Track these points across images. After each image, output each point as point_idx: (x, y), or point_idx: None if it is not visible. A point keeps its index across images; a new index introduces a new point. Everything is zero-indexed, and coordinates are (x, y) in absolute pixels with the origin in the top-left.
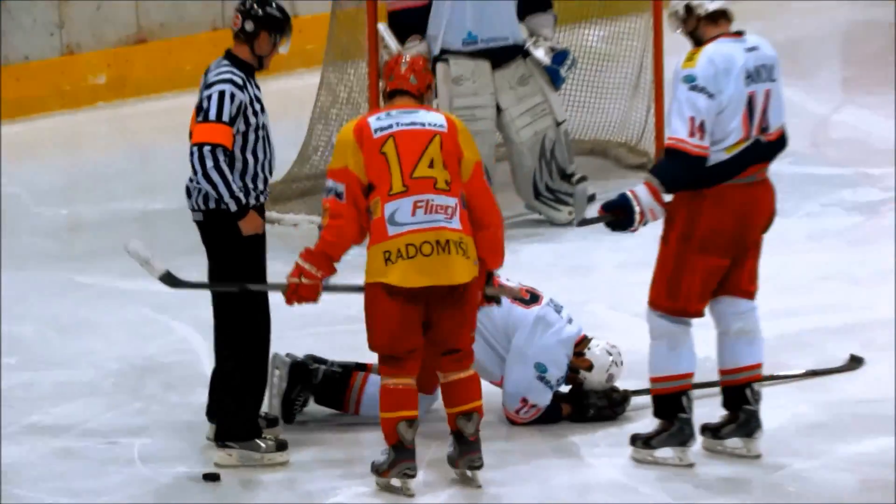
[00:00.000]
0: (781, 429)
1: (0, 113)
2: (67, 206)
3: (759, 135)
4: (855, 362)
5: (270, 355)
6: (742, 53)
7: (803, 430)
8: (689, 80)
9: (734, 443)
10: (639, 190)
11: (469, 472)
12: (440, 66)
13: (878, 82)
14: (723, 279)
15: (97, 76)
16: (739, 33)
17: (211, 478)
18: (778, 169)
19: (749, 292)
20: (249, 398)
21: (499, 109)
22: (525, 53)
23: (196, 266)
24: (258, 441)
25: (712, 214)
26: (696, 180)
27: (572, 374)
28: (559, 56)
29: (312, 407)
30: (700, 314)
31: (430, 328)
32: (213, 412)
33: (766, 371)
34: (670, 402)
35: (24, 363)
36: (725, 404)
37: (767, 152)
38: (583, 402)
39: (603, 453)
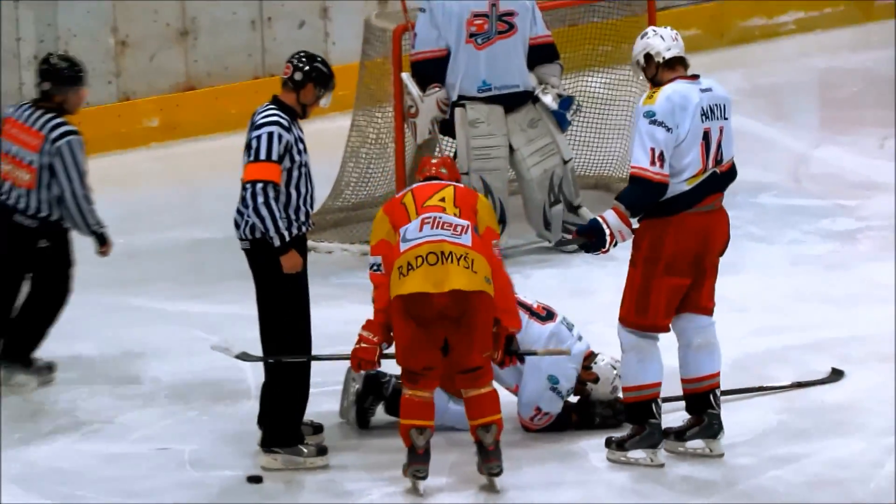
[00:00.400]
0: (767, 434)
1: None
2: (123, 235)
3: (715, 167)
4: (836, 374)
5: (345, 368)
6: (697, 93)
7: (789, 435)
8: (649, 115)
9: (695, 444)
10: (607, 215)
11: (488, 478)
12: (458, 111)
13: (852, 123)
14: (683, 297)
15: (150, 120)
16: (695, 76)
17: (254, 480)
18: (763, 201)
19: (708, 309)
20: (293, 408)
21: (511, 149)
22: (535, 99)
23: (239, 289)
24: (301, 447)
25: (676, 239)
26: (657, 204)
27: (580, 386)
28: (565, 102)
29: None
30: (666, 329)
31: (449, 350)
32: (262, 420)
33: (754, 382)
34: (641, 408)
35: (83, 378)
36: (689, 409)
37: (722, 182)
38: (589, 411)
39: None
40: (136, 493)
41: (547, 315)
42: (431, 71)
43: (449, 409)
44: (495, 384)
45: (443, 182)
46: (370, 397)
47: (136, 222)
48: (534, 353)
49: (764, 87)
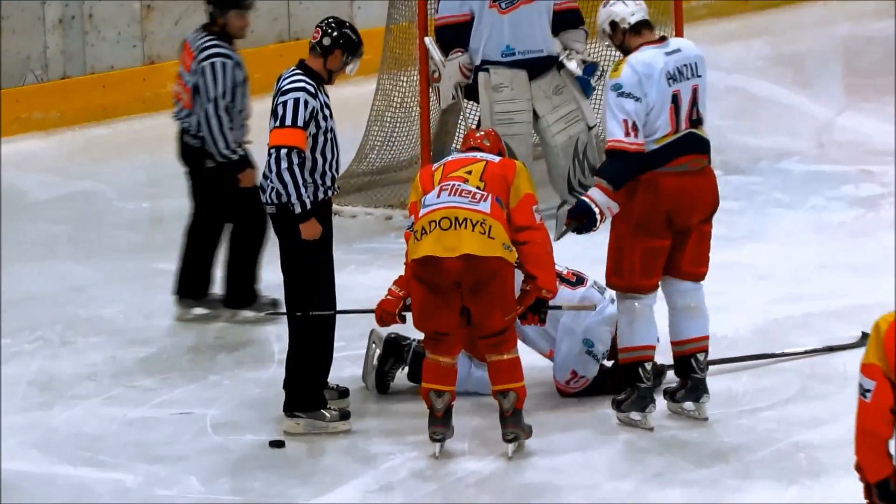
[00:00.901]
0: (790, 399)
1: (86, 117)
2: (148, 200)
3: (692, 128)
4: (866, 338)
5: (368, 332)
6: (662, 58)
7: (811, 400)
8: (617, 87)
9: (688, 406)
10: (593, 193)
11: (506, 443)
12: (481, 75)
13: (876, 90)
14: (667, 261)
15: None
16: (663, 38)
17: (276, 444)
18: (787, 167)
19: (691, 274)
20: (317, 372)
21: (536, 116)
22: (559, 65)
23: (267, 252)
24: (323, 411)
25: (646, 199)
26: (639, 173)
27: (615, 350)
28: (589, 68)
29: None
30: (647, 289)
31: (470, 316)
32: (286, 384)
33: (777, 349)
34: (630, 371)
35: (108, 342)
36: (676, 372)
37: (700, 144)
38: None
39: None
40: (158, 457)
41: (577, 280)
42: (454, 36)
43: (472, 375)
44: (529, 349)
45: (477, 156)
46: (391, 360)
47: (162, 187)
48: (559, 308)
49: (788, 55)
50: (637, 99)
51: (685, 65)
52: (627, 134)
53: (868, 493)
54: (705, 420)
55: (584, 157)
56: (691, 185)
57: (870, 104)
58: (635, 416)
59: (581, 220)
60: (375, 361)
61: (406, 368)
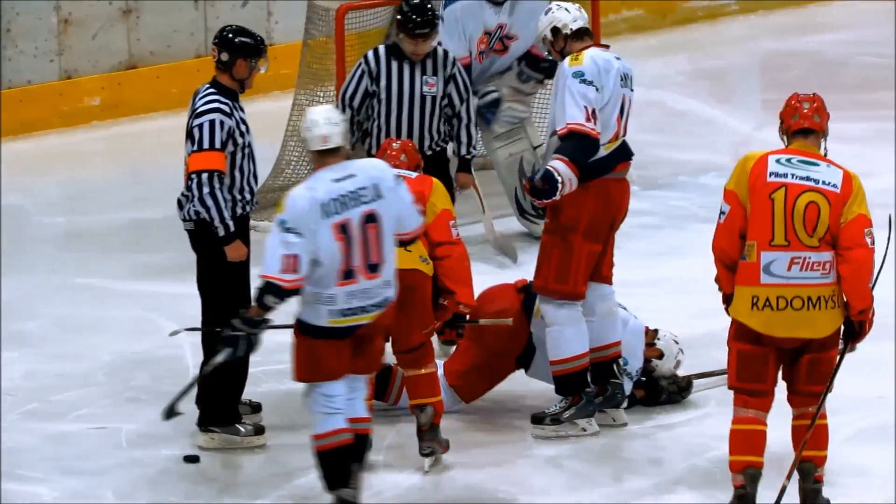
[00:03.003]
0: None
1: (3, 131)
2: (66, 215)
3: (623, 135)
4: None
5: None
6: (614, 59)
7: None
8: (579, 74)
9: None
10: (557, 164)
11: (423, 457)
12: None
13: None
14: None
15: (92, 98)
16: (606, 46)
17: (191, 459)
18: (706, 181)
19: (608, 277)
20: (231, 387)
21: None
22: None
23: (181, 268)
24: (238, 426)
25: (596, 205)
26: (589, 161)
27: (645, 364)
28: (492, 103)
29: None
30: (583, 296)
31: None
32: (199, 399)
33: (698, 364)
34: (578, 378)
35: (25, 357)
36: (593, 379)
37: (629, 152)
38: (655, 387)
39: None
40: (75, 471)
41: None
42: None
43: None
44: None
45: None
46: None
47: (80, 202)
48: (475, 322)
49: (708, 70)
50: (597, 89)
51: (627, 74)
52: (588, 119)
53: (723, 299)
54: (624, 425)
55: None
56: (626, 191)
57: None
58: (577, 425)
59: (543, 187)
60: None
61: None
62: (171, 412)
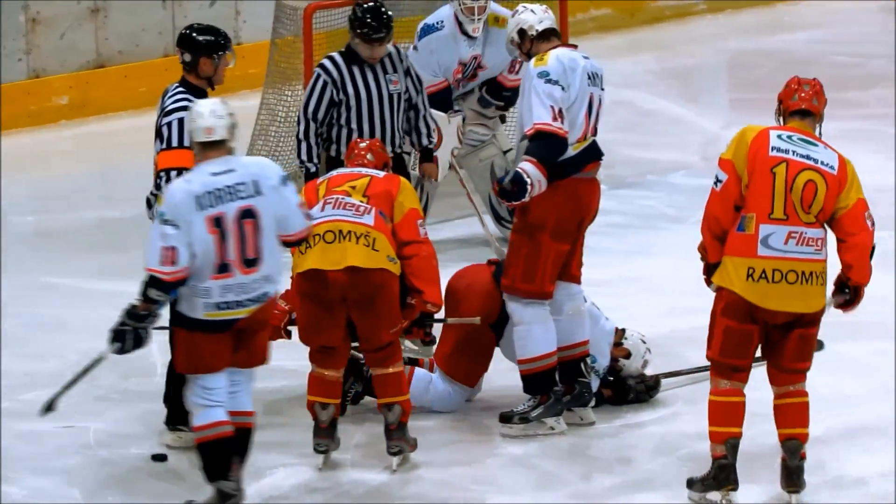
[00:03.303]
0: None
1: None
2: (34, 214)
3: (593, 135)
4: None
5: None
6: (581, 58)
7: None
8: (544, 74)
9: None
10: (525, 166)
11: (391, 456)
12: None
13: (761, 104)
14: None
15: (61, 98)
16: (574, 46)
17: (158, 458)
18: (674, 180)
19: (577, 277)
20: None
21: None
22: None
23: None
24: None
25: (565, 205)
26: (558, 160)
27: (612, 363)
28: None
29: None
30: (551, 296)
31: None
32: (167, 398)
33: (666, 363)
34: (546, 378)
35: None
36: (561, 378)
37: (599, 152)
38: (623, 386)
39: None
40: (43, 470)
41: None
42: (440, 100)
43: (430, 391)
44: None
45: (362, 171)
46: (350, 379)
47: (48, 201)
48: (444, 321)
49: (676, 69)
50: (563, 88)
51: (595, 73)
52: (555, 119)
53: (704, 269)
54: (592, 424)
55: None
56: (596, 191)
57: (757, 118)
58: (550, 421)
59: (512, 188)
60: None
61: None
62: (49, 407)
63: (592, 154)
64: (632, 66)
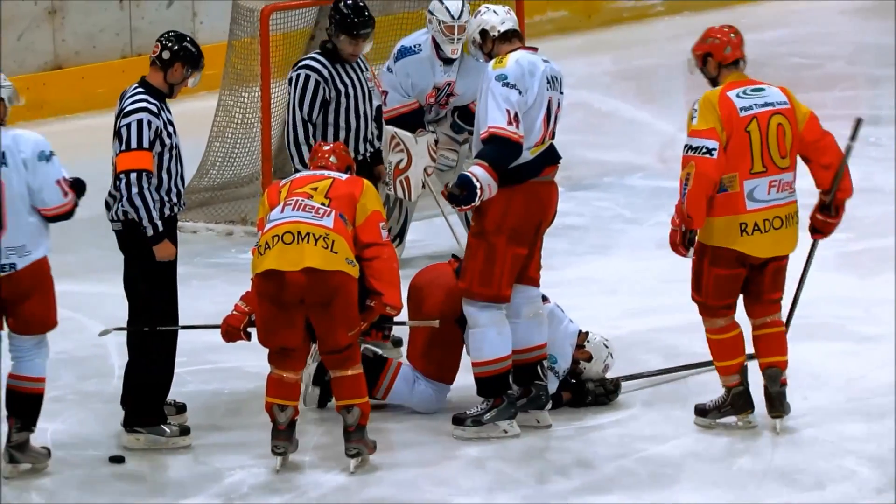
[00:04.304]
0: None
1: None
2: None
3: (551, 139)
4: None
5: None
6: (541, 62)
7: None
8: (502, 77)
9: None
10: (475, 170)
11: (349, 458)
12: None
13: None
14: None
15: (18, 98)
16: (535, 48)
17: (116, 460)
18: (632, 182)
19: (535, 280)
20: (156, 387)
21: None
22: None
23: (108, 268)
24: (164, 426)
25: (522, 209)
26: (511, 165)
27: (573, 365)
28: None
29: None
30: (508, 299)
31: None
32: (125, 400)
33: (625, 364)
34: (500, 381)
35: None
36: (517, 381)
37: (557, 155)
38: (582, 389)
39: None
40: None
41: (542, 298)
42: (410, 122)
43: (414, 393)
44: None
45: (324, 174)
46: (329, 373)
47: None
48: (403, 324)
49: (634, 71)
50: (520, 92)
51: (555, 76)
52: (510, 123)
53: (682, 238)
54: (548, 427)
55: None
56: (554, 194)
57: None
58: (504, 424)
59: (461, 192)
60: (310, 378)
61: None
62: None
63: (550, 158)
64: (589, 68)
